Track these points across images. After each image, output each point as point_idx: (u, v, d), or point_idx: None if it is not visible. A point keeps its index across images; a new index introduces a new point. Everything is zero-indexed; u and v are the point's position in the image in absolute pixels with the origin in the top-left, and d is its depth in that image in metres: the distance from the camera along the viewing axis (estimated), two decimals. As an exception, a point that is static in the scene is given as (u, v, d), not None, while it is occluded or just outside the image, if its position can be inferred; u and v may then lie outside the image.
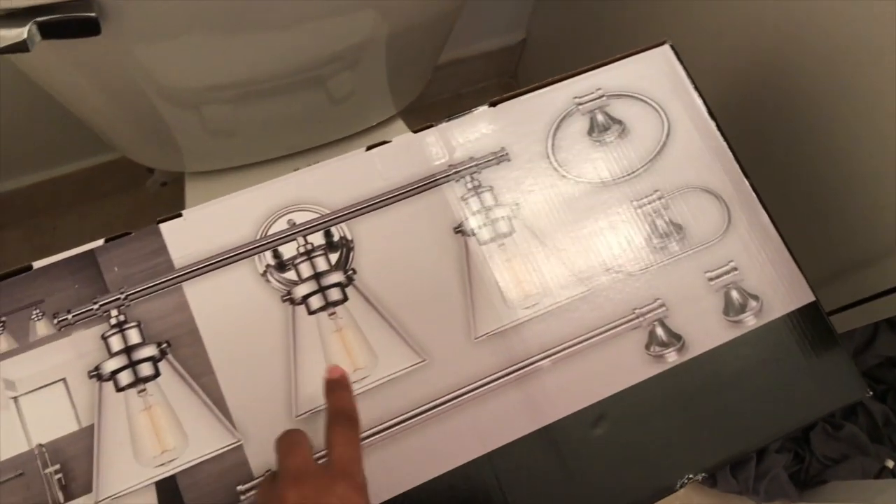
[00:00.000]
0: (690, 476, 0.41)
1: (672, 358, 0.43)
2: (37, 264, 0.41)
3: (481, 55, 1.06)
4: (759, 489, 0.90)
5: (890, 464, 0.88)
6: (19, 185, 0.95)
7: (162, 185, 0.86)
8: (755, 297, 0.45)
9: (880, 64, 0.47)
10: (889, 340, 0.92)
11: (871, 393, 0.44)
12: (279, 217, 0.44)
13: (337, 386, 0.39)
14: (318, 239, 0.44)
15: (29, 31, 0.38)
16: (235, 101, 0.61)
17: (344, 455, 0.34)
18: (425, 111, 0.91)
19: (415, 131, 0.46)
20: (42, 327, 0.41)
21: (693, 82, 0.48)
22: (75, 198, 1.00)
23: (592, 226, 0.45)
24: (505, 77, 1.16)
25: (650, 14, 0.75)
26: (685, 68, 0.49)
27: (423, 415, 0.41)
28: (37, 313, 0.41)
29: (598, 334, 0.43)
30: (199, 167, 0.69)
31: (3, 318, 0.40)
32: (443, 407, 0.41)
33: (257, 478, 0.39)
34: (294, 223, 0.44)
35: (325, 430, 0.36)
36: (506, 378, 0.42)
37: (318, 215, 0.44)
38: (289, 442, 0.35)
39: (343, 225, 0.44)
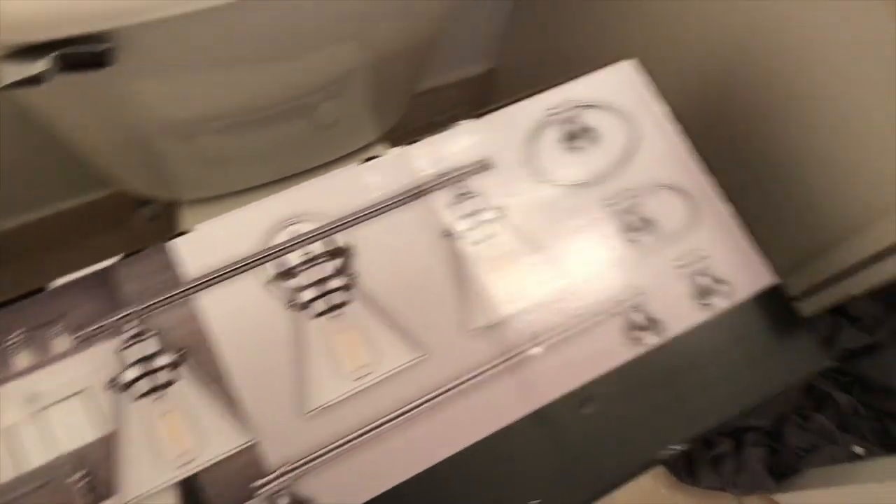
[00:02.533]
0: (674, 447, 0.45)
1: (650, 340, 0.47)
2: (52, 284, 0.44)
3: (452, 84, 1.11)
4: (738, 482, 0.94)
5: (857, 450, 0.93)
6: (2, 228, 0.96)
7: (150, 219, 0.88)
8: (723, 282, 0.49)
9: (813, 69, 0.53)
10: (851, 334, 0.97)
11: (830, 362, 0.48)
12: (282, 228, 0.47)
13: None
14: (319, 247, 0.47)
15: (46, 64, 0.41)
16: (228, 130, 0.64)
17: None
18: (401, 140, 0.95)
19: (403, 146, 0.50)
20: (61, 343, 0.43)
21: (657, 92, 0.53)
22: (60, 238, 1.01)
23: (572, 225, 0.49)
24: (475, 105, 1.21)
25: (610, 44, 0.81)
26: (649, 80, 0.54)
27: (426, 404, 0.44)
28: (55, 330, 0.43)
29: (581, 322, 0.47)
30: (193, 195, 0.72)
31: (23, 335, 0.42)
32: (443, 396, 0.44)
33: (271, 473, 0.42)
34: (297, 233, 0.47)
35: None
36: (500, 367, 0.45)
37: (319, 225, 0.47)
38: None
39: (343, 233, 0.47)
